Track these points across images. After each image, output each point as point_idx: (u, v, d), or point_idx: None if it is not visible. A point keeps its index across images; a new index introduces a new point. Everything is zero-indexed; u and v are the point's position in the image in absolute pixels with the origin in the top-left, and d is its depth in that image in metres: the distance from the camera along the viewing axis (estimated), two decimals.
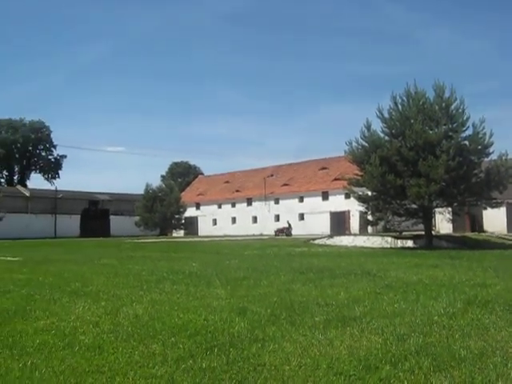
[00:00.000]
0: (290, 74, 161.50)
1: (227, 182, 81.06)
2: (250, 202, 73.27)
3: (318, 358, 5.26)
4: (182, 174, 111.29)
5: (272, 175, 74.35)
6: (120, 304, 8.90)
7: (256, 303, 8.77)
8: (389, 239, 33.26)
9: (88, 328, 6.90)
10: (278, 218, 68.09)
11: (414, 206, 30.58)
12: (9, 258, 22.66)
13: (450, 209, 33.65)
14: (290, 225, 62.25)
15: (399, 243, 32.55)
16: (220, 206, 76.68)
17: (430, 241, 31.14)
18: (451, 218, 36.36)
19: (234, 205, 75.15)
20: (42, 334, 6.57)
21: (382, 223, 34.40)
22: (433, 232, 34.75)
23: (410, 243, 32.21)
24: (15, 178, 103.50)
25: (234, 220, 74.15)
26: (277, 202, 69.99)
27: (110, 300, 9.40)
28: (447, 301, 8.77)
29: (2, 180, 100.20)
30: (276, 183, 72.06)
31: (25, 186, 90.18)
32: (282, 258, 21.69)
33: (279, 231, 60.65)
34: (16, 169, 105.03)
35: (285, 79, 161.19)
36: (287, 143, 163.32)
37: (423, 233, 32.31)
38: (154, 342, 6.03)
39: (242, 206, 73.85)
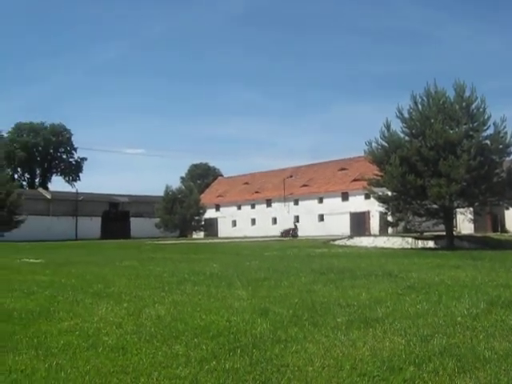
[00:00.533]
0: (302, 74, 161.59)
1: (246, 183, 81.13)
2: (269, 203, 73.25)
3: (341, 359, 5.25)
4: (202, 176, 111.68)
5: (291, 176, 74.22)
6: (142, 305, 8.95)
7: (277, 304, 8.77)
8: (409, 240, 33.04)
9: (111, 329, 6.96)
10: (297, 218, 67.97)
11: (435, 206, 30.36)
12: (31, 260, 22.91)
13: (471, 209, 33.26)
14: (296, 226, 62.38)
15: (420, 244, 32.31)
16: (240, 208, 76.75)
17: (451, 241, 30.88)
18: (472, 218, 35.92)
19: (253, 206, 75.16)
20: (66, 335, 6.64)
21: (402, 224, 34.18)
22: (454, 232, 34.45)
23: (431, 244, 31.97)
24: (37, 180, 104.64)
25: (253, 221, 74.17)
26: (296, 203, 69.87)
27: (133, 301, 9.46)
28: (470, 302, 8.70)
29: (24, 183, 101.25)
30: (295, 184, 71.94)
31: (46, 188, 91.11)
32: (302, 258, 21.68)
33: (286, 232, 60.57)
34: (37, 172, 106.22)
35: (297, 79, 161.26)
36: (302, 143, 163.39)
37: (444, 233, 32.05)
38: (177, 343, 6.06)
39: (261, 207, 73.85)
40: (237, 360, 5.28)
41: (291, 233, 60.17)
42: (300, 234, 60.58)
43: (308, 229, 63.03)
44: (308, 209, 67.20)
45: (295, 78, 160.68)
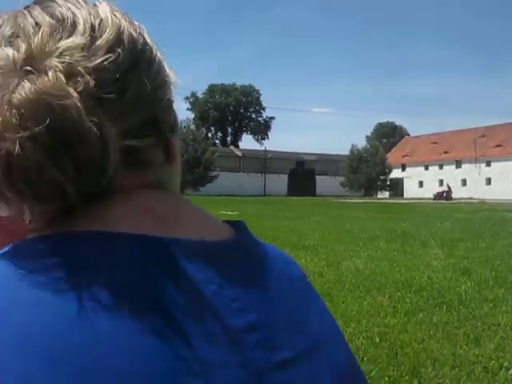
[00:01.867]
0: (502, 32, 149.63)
1: (434, 142, 78.23)
2: (459, 164, 70.08)
3: None
4: (387, 135, 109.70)
5: (483, 136, 70.12)
6: (339, 258, 9.20)
7: (477, 265, 8.52)
8: None
9: (314, 278, 7.27)
10: (489, 181, 64.38)
11: None
12: (228, 213, 24.34)
13: None
14: (450, 188, 58.87)
15: None
16: (427, 168, 74.47)
17: None
18: None
19: (441, 167, 72.48)
20: None
21: None
22: None
23: None
24: (228, 139, 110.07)
25: (441, 182, 71.52)
26: (488, 164, 66.00)
27: (329, 254, 9.75)
28: None
29: (217, 141, 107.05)
30: (488, 144, 67.87)
31: (237, 146, 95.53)
32: (496, 221, 20.54)
33: (439, 195, 57.56)
34: (229, 130, 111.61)
35: (496, 37, 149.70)
36: (496, 102, 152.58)
37: None
38: (380, 295, 6.20)
39: (450, 169, 70.95)
40: (443, 315, 5.29)
41: (444, 195, 57.37)
42: (492, 197, 57.35)
43: (502, 192, 59.47)
44: (502, 171, 63.19)
45: (494, 36, 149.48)
